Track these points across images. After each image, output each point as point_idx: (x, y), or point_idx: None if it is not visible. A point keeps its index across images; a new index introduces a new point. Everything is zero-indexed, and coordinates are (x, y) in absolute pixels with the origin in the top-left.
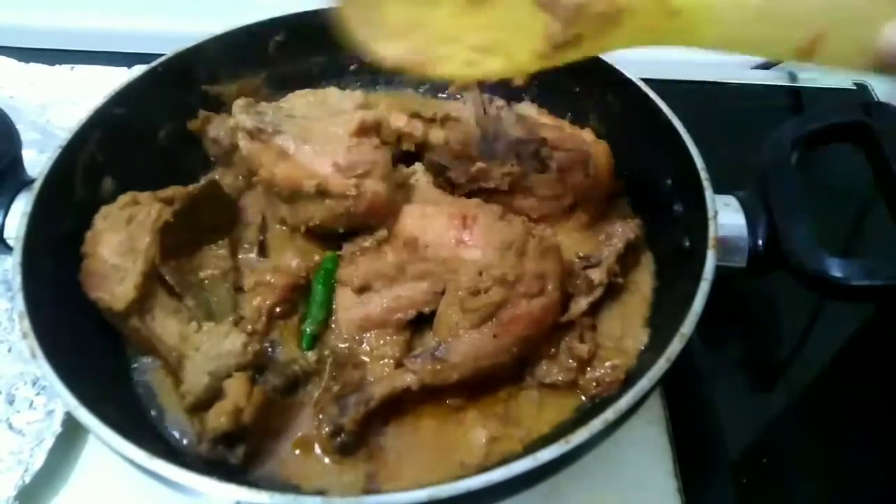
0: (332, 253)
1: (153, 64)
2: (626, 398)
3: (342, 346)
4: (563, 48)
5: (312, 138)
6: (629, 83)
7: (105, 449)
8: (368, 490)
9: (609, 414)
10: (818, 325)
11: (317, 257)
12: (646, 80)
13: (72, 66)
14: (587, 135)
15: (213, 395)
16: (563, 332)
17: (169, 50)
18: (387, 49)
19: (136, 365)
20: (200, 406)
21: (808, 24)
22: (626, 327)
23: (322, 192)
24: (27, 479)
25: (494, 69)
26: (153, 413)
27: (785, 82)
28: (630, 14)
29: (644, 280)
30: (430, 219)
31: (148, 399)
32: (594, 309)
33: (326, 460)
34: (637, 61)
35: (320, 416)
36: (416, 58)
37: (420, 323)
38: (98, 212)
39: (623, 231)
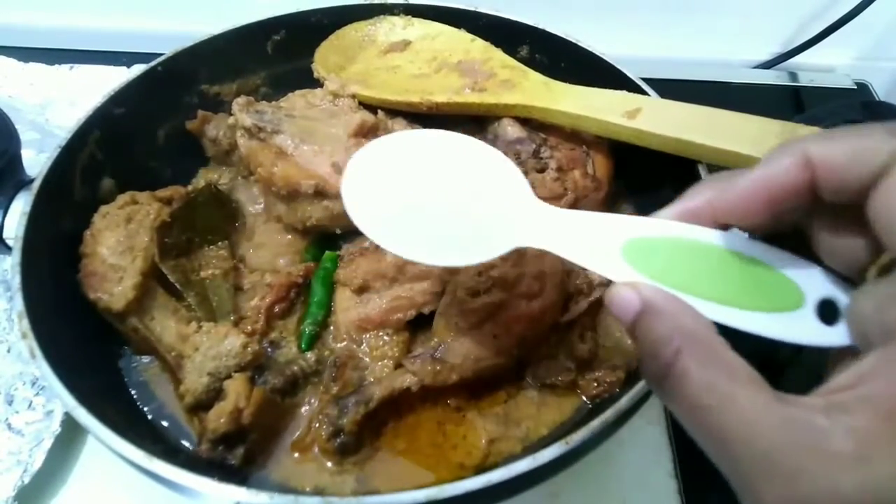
0: (331, 253)
1: (152, 63)
2: (626, 398)
3: (341, 346)
4: (468, 96)
5: (311, 138)
6: (629, 82)
7: (104, 449)
8: (367, 491)
9: (609, 414)
10: None
11: (315, 257)
12: (646, 80)
13: (71, 65)
14: (587, 135)
15: (212, 396)
16: (563, 333)
17: (168, 50)
18: (335, 82)
19: (135, 365)
20: (200, 406)
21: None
22: None
23: (320, 193)
24: (26, 480)
25: (415, 100)
26: (152, 413)
27: (785, 82)
28: (522, 83)
29: None
30: None
31: (147, 399)
32: (594, 309)
33: (325, 461)
34: (637, 61)
35: (319, 417)
36: (357, 84)
37: (419, 323)
38: (97, 211)
39: None
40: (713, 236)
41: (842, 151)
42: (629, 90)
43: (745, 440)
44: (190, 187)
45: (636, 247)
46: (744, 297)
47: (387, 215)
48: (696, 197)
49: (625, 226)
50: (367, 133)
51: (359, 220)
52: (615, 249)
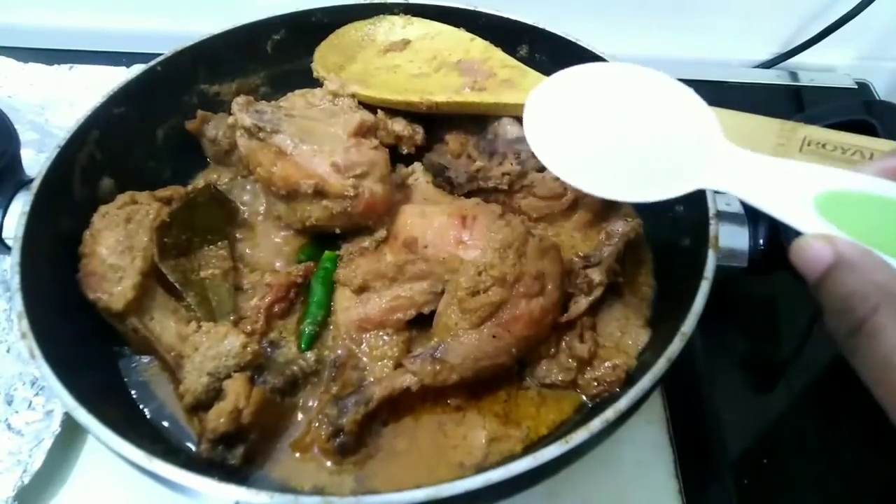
0: (331, 253)
1: (152, 63)
2: (626, 398)
3: (341, 346)
4: (467, 95)
5: (311, 138)
6: None
7: (104, 449)
8: (367, 490)
9: (609, 414)
10: (818, 325)
11: (310, 257)
12: None
13: (70, 65)
14: None
15: (212, 396)
16: (563, 332)
17: (168, 50)
18: (335, 82)
19: (135, 365)
20: (200, 406)
21: None
22: (626, 327)
23: (320, 192)
24: (26, 480)
25: (414, 99)
26: (152, 413)
27: (786, 81)
28: (521, 83)
29: (644, 280)
30: (429, 219)
31: (146, 399)
32: (594, 309)
33: (325, 461)
34: (637, 61)
35: (319, 417)
36: (356, 84)
37: (419, 323)
38: (97, 211)
39: (623, 230)
40: None
41: None
42: None
43: None
44: (189, 187)
45: (831, 199)
46: None
47: (569, 148)
48: None
49: (821, 177)
50: (366, 133)
51: (540, 153)
52: (808, 200)
